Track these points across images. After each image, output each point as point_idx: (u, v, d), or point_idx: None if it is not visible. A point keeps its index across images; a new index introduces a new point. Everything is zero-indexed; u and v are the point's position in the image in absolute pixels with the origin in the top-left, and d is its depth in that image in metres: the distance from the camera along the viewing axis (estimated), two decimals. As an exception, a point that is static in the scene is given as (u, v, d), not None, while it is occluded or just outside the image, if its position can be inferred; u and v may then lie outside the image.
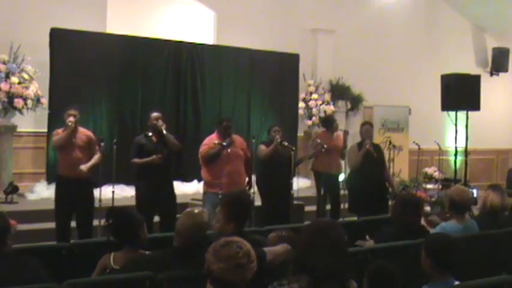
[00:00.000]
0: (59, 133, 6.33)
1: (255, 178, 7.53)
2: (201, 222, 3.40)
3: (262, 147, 7.42)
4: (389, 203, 7.91)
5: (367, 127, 7.65)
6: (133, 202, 6.63)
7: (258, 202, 7.38)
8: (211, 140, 6.83)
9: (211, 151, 6.69)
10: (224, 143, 6.67)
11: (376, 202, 7.18)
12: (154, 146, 6.56)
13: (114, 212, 3.78)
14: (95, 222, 6.43)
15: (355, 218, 6.74)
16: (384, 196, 7.55)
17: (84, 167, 6.21)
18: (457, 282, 3.31)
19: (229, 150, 6.71)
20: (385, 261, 3.09)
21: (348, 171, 7.88)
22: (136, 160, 6.54)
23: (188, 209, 3.59)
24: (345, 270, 2.66)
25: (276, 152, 7.24)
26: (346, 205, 8.10)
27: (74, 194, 6.17)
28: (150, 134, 6.65)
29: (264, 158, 7.30)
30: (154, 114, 6.68)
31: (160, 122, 6.61)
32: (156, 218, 6.61)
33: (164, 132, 6.56)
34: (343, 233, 2.71)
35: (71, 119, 6.22)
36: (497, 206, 4.95)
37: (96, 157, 6.36)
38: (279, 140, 7.21)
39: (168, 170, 6.75)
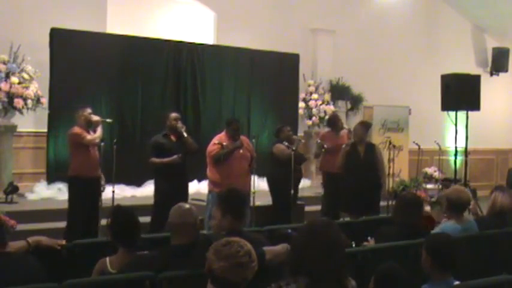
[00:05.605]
0: (83, 132, 6.36)
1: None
2: (194, 216, 3.40)
3: (282, 146, 7.39)
4: (389, 203, 7.93)
5: (356, 127, 7.45)
6: (133, 202, 6.64)
7: (258, 202, 7.39)
8: (221, 139, 6.84)
9: (222, 152, 6.71)
10: (231, 147, 6.71)
11: (366, 203, 7.02)
12: (173, 146, 6.59)
13: (116, 210, 3.75)
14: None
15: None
16: (374, 197, 7.26)
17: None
18: (457, 282, 3.31)
19: (241, 151, 6.76)
20: (395, 264, 3.08)
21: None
22: (156, 160, 6.55)
23: (178, 205, 3.48)
24: (343, 270, 2.65)
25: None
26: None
27: (91, 193, 6.33)
28: (168, 133, 6.68)
29: (286, 158, 7.25)
30: (173, 115, 6.73)
31: (180, 124, 6.65)
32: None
33: (185, 134, 6.61)
34: (340, 233, 2.70)
35: (97, 118, 6.47)
36: (508, 207, 4.94)
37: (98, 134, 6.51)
38: (302, 141, 7.20)
39: (186, 170, 6.80)
